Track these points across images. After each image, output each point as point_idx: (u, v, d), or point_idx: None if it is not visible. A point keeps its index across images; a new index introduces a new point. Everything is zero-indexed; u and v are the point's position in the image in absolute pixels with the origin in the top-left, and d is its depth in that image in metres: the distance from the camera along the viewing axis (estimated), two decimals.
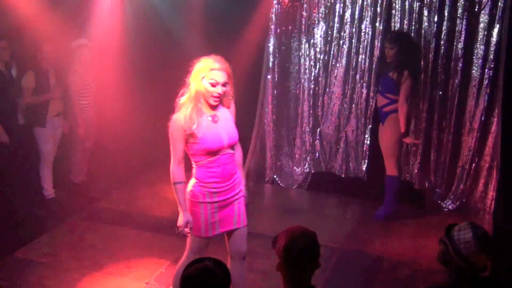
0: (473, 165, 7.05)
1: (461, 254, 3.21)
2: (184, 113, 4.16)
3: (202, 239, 4.39)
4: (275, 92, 7.81)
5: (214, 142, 4.19)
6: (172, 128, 4.20)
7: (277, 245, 3.25)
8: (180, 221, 4.30)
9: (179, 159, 4.24)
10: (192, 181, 4.34)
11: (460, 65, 6.93)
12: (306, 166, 7.90)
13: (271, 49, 7.70)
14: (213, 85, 4.13)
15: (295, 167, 7.89)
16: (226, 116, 4.32)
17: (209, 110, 4.24)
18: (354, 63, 7.41)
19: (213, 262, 2.94)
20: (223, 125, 4.25)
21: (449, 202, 7.21)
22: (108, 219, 6.76)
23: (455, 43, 6.91)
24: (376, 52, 7.22)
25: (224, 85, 4.16)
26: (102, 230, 6.49)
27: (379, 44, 7.18)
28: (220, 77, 4.13)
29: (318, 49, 7.55)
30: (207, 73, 4.13)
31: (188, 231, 4.32)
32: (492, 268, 5.14)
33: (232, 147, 4.33)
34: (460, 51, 6.92)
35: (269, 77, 7.80)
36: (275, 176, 8.00)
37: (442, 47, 6.94)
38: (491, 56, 6.79)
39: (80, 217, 6.80)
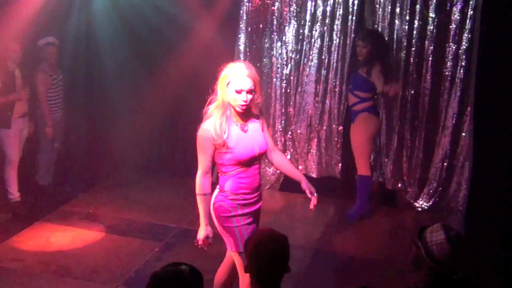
0: (446, 164, 7.12)
1: (434, 256, 3.22)
2: (213, 122, 4.06)
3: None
4: None
5: (246, 152, 4.11)
6: (200, 138, 4.12)
7: (247, 248, 3.26)
8: (200, 234, 4.21)
9: (206, 169, 4.14)
10: (219, 195, 4.21)
11: (432, 63, 7.01)
12: None
13: (241, 48, 7.66)
14: (238, 92, 4.03)
15: (267, 168, 7.87)
16: (255, 126, 4.22)
17: (238, 119, 4.15)
18: (326, 61, 7.44)
19: (189, 269, 2.86)
20: (252, 135, 4.16)
21: (422, 202, 7.26)
22: (75, 222, 6.68)
23: (426, 42, 6.99)
24: (349, 50, 7.26)
25: (250, 92, 4.05)
26: (70, 234, 6.42)
27: (351, 43, 7.22)
28: (246, 84, 4.02)
29: (289, 48, 7.56)
30: (232, 80, 4.04)
31: (206, 246, 4.22)
32: (466, 268, 5.25)
33: (260, 158, 4.26)
34: (431, 49, 6.99)
35: None
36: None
37: (414, 46, 7.02)
38: (463, 55, 6.87)
39: (46, 220, 6.72)
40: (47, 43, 7.09)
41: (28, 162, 7.28)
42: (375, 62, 6.53)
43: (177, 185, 7.61)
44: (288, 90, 7.69)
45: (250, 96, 4.05)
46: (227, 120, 4.08)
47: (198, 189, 4.18)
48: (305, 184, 4.35)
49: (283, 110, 7.74)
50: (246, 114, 4.16)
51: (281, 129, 7.80)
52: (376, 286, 3.27)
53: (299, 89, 7.63)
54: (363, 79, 6.58)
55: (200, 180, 4.15)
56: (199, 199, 4.19)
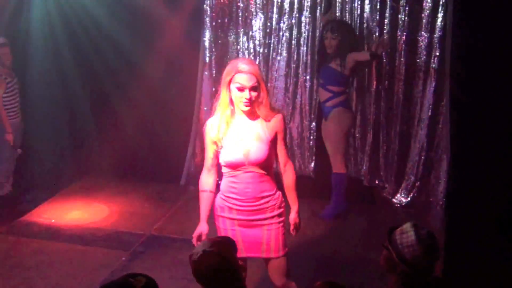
0: (423, 157, 7.14)
1: (405, 259, 3.20)
2: (215, 118, 4.12)
3: None
4: (214, 89, 7.70)
5: (232, 156, 4.07)
6: (204, 133, 4.23)
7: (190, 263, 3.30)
8: (195, 231, 4.28)
9: (208, 166, 4.21)
10: (218, 193, 4.29)
11: (405, 54, 7.02)
12: None
13: (206, 43, 7.65)
14: (240, 90, 4.00)
15: None
16: (259, 131, 4.11)
17: (243, 118, 4.11)
18: (295, 55, 7.43)
19: (145, 280, 2.81)
20: (249, 140, 4.09)
21: (401, 198, 7.28)
22: (37, 234, 6.62)
23: (398, 32, 7.00)
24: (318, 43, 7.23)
25: (253, 89, 4.00)
26: (31, 246, 6.34)
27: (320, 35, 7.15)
28: (248, 80, 3.97)
29: (257, 42, 7.54)
30: (234, 77, 4.01)
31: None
32: (445, 266, 5.27)
33: (261, 167, 4.11)
34: (404, 39, 7.00)
35: (206, 73, 7.76)
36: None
37: (386, 36, 6.98)
38: (436, 44, 6.89)
39: (6, 232, 6.65)
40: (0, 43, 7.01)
41: None
42: (347, 53, 6.51)
43: (144, 191, 7.59)
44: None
45: (254, 94, 4.01)
46: (228, 118, 4.08)
47: (199, 185, 4.28)
48: (293, 217, 4.34)
49: None
50: (253, 115, 4.11)
51: None
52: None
53: (268, 85, 7.57)
54: (336, 73, 6.56)
55: (202, 176, 4.25)
56: (199, 196, 4.26)
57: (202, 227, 4.24)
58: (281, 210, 4.27)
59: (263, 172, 4.13)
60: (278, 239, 4.25)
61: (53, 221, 6.89)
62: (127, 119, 7.97)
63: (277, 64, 7.53)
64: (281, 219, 4.28)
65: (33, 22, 7.64)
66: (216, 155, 4.18)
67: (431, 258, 3.22)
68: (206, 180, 4.24)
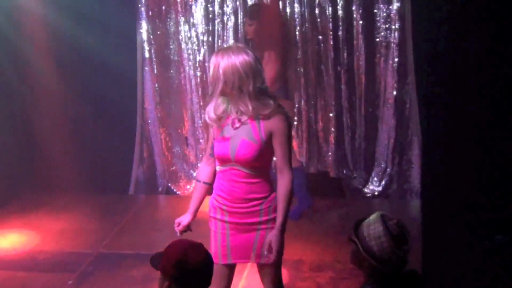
0: (392, 141, 7.23)
1: (374, 253, 3.20)
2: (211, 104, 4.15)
3: (218, 266, 4.07)
4: (156, 85, 7.73)
5: (219, 149, 4.13)
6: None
7: (164, 263, 3.17)
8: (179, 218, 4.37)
9: (208, 154, 4.30)
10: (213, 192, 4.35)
11: (362, 29, 7.10)
12: None
13: (144, 36, 7.60)
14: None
15: (191, 171, 7.86)
16: (251, 129, 4.09)
17: (237, 109, 4.08)
18: (243, 42, 7.28)
19: None
20: (239, 135, 4.08)
21: (372, 187, 7.37)
22: None
23: (353, 7, 7.07)
24: None
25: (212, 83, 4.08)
26: None
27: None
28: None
29: (200, 30, 7.52)
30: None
31: (179, 231, 4.33)
32: (424, 258, 5.26)
33: (250, 166, 4.10)
34: (360, 13, 7.06)
35: (146, 69, 7.71)
36: (169, 184, 7.96)
37: (340, 12, 7.06)
38: (396, 16, 6.96)
39: None
40: None
41: None
42: (265, 49, 6.56)
43: (88, 204, 7.47)
44: (204, 79, 7.61)
45: (216, 87, 4.02)
46: (222, 106, 4.11)
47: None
48: (269, 235, 4.17)
49: (201, 103, 7.64)
50: (241, 107, 4.06)
51: (202, 124, 7.72)
52: None
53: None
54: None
55: (200, 165, 4.45)
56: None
57: (184, 217, 4.33)
58: (269, 213, 4.21)
59: (253, 172, 4.12)
60: (271, 244, 4.15)
61: None
62: (63, 126, 7.84)
63: None
64: (276, 225, 4.19)
65: None
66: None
67: (400, 250, 3.20)
68: (203, 169, 4.32)
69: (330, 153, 7.44)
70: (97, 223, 7.07)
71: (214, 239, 4.27)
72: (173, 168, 7.97)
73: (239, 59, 3.97)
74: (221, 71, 3.97)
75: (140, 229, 6.84)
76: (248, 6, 6.84)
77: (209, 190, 4.31)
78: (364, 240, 3.22)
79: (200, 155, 7.80)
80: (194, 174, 7.82)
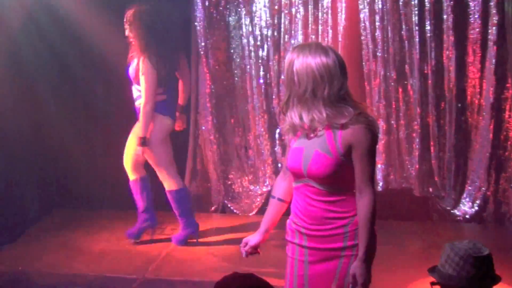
0: (488, 155, 7.12)
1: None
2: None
3: None
4: (212, 87, 7.71)
5: (290, 162, 4.11)
6: None
7: None
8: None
9: (284, 167, 4.32)
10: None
11: (452, 25, 7.02)
12: (267, 182, 7.81)
13: (199, 29, 7.63)
14: None
15: (251, 186, 7.87)
16: (327, 139, 4.00)
17: (311, 117, 4.00)
18: (313, 37, 7.35)
19: None
20: (312, 147, 4.02)
21: (463, 209, 7.27)
22: (1, 286, 6.53)
23: None
24: (342, 20, 7.23)
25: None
26: None
27: (343, 8, 7.20)
28: None
29: (263, 23, 7.52)
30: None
31: (246, 252, 4.31)
32: None
33: (325, 183, 4.02)
34: (450, 7, 7.00)
35: (201, 67, 7.72)
36: (225, 202, 7.97)
37: (427, 4, 7.02)
38: (493, 9, 6.89)
39: None
40: None
41: None
42: (142, 54, 6.67)
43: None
44: (268, 80, 7.61)
45: None
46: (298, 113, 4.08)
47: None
48: (353, 267, 4.05)
49: (264, 107, 7.67)
50: (314, 114, 3.98)
51: (264, 132, 7.70)
52: None
53: (282, 77, 7.47)
54: (137, 69, 6.74)
55: (276, 179, 4.41)
56: None
57: (253, 237, 4.31)
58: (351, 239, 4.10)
59: (330, 190, 4.04)
60: (353, 275, 4.03)
61: (20, 268, 6.79)
62: (104, 136, 7.99)
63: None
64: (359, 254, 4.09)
65: None
66: None
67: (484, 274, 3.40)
68: (278, 184, 4.33)
69: (413, 168, 7.36)
70: (143, 245, 7.10)
71: (290, 267, 4.20)
72: (230, 183, 7.98)
73: (315, 60, 3.89)
74: (294, 71, 3.94)
75: (191, 253, 6.82)
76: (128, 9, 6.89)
77: (285, 209, 4.27)
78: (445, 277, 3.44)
79: (262, 168, 7.83)
80: (255, 190, 7.90)
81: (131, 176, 7.02)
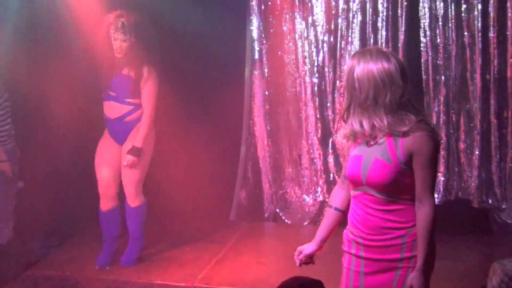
0: None
1: None
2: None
3: None
4: (267, 92, 7.73)
5: (349, 169, 4.07)
6: None
7: None
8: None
9: (342, 175, 4.28)
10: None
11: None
12: (319, 192, 7.78)
13: (255, 34, 7.66)
14: None
15: (304, 196, 7.84)
16: (387, 146, 3.96)
17: (371, 124, 3.97)
18: (372, 42, 7.36)
19: None
20: (373, 154, 3.98)
21: None
22: None
23: (508, 3, 6.88)
24: (402, 24, 7.22)
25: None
26: None
27: (403, 14, 7.19)
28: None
29: (319, 29, 7.49)
30: None
31: (300, 261, 4.28)
32: None
33: (384, 191, 3.96)
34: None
35: (256, 72, 7.75)
36: (277, 210, 7.94)
37: (491, 10, 6.92)
38: None
39: None
40: None
41: None
42: (143, 64, 6.54)
43: (182, 230, 7.51)
44: (323, 87, 7.57)
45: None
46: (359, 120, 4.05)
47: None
48: (410, 278, 3.98)
49: (318, 115, 7.64)
50: (375, 121, 3.95)
51: (318, 141, 7.66)
52: None
53: (337, 84, 7.52)
54: (133, 81, 6.61)
55: (334, 189, 4.37)
56: None
57: (308, 246, 4.26)
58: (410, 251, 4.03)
59: (390, 199, 3.97)
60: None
61: (68, 274, 6.81)
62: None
63: (347, 57, 7.39)
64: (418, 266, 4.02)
65: None
66: None
67: None
68: (336, 193, 4.29)
69: (473, 178, 7.29)
70: (192, 253, 7.09)
71: (345, 278, 4.16)
72: (283, 191, 7.98)
73: (377, 65, 3.84)
74: (355, 77, 3.89)
75: (241, 262, 6.81)
76: (118, 17, 6.63)
77: (341, 219, 4.24)
78: None
79: (314, 178, 7.80)
80: (307, 199, 7.85)
81: (139, 202, 6.85)
